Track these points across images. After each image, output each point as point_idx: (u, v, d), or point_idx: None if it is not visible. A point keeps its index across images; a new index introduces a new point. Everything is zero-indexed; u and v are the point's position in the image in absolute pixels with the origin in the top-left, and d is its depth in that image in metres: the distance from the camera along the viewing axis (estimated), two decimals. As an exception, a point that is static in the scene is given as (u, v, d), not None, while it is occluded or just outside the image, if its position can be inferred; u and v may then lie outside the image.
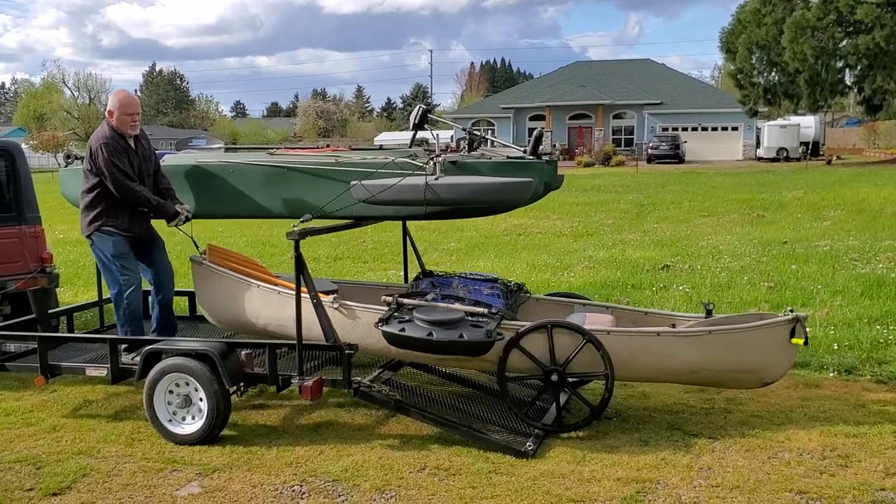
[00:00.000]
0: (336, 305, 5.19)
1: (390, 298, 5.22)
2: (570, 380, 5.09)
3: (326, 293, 5.36)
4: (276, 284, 5.51)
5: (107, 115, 5.51)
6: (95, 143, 5.37)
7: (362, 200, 5.06)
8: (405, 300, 5.22)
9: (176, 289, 6.03)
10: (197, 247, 5.78)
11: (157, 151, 5.78)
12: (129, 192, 5.36)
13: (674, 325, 5.42)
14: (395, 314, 5.06)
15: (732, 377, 5.06)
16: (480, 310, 5.11)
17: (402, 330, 4.89)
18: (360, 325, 5.12)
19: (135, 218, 5.54)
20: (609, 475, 4.46)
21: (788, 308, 5.10)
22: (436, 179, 4.89)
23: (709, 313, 5.49)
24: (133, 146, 5.49)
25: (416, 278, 6.16)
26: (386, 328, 4.94)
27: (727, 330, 4.99)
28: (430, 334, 4.84)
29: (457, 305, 5.17)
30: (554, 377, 4.99)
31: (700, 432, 5.08)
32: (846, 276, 9.96)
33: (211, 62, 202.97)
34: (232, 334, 6.14)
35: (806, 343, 4.97)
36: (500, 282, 5.91)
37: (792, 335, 4.91)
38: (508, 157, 5.27)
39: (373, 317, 5.08)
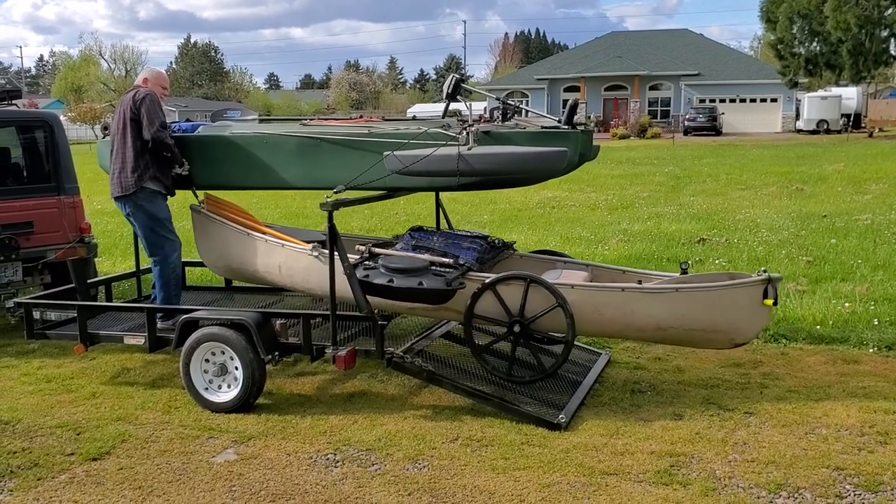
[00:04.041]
0: (316, 254, 5.32)
1: (363, 248, 5.34)
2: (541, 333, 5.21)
3: (310, 242, 5.48)
4: (265, 233, 5.69)
5: (141, 82, 5.79)
6: (142, 94, 5.56)
7: (395, 171, 5.04)
8: (377, 249, 5.34)
9: None
10: (196, 197, 6.02)
11: (191, 122, 5.93)
12: (161, 137, 5.50)
13: (640, 282, 5.39)
14: (365, 262, 5.18)
15: (701, 336, 4.97)
16: (445, 260, 5.19)
17: (367, 276, 5.02)
18: (336, 274, 5.17)
19: (171, 179, 5.73)
20: (643, 448, 4.44)
21: (762, 269, 4.99)
22: (469, 150, 4.86)
23: (684, 272, 5.44)
24: None
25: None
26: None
27: (695, 288, 4.92)
28: (391, 281, 4.96)
29: (424, 255, 5.23)
30: (516, 328, 5.03)
31: (735, 407, 5.03)
32: (888, 250, 9.76)
33: (246, 34, 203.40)
34: (268, 304, 6.21)
35: (775, 304, 4.87)
36: (488, 239, 5.91)
37: (764, 296, 4.81)
38: (543, 127, 5.20)
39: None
